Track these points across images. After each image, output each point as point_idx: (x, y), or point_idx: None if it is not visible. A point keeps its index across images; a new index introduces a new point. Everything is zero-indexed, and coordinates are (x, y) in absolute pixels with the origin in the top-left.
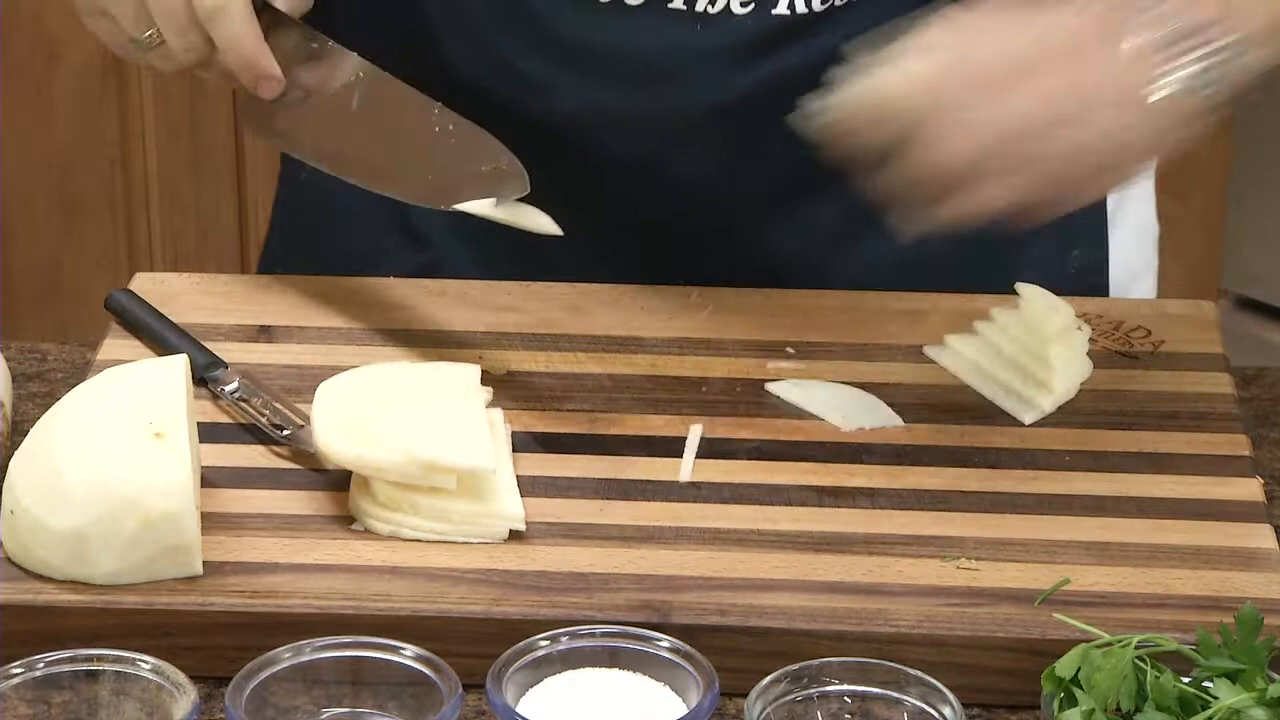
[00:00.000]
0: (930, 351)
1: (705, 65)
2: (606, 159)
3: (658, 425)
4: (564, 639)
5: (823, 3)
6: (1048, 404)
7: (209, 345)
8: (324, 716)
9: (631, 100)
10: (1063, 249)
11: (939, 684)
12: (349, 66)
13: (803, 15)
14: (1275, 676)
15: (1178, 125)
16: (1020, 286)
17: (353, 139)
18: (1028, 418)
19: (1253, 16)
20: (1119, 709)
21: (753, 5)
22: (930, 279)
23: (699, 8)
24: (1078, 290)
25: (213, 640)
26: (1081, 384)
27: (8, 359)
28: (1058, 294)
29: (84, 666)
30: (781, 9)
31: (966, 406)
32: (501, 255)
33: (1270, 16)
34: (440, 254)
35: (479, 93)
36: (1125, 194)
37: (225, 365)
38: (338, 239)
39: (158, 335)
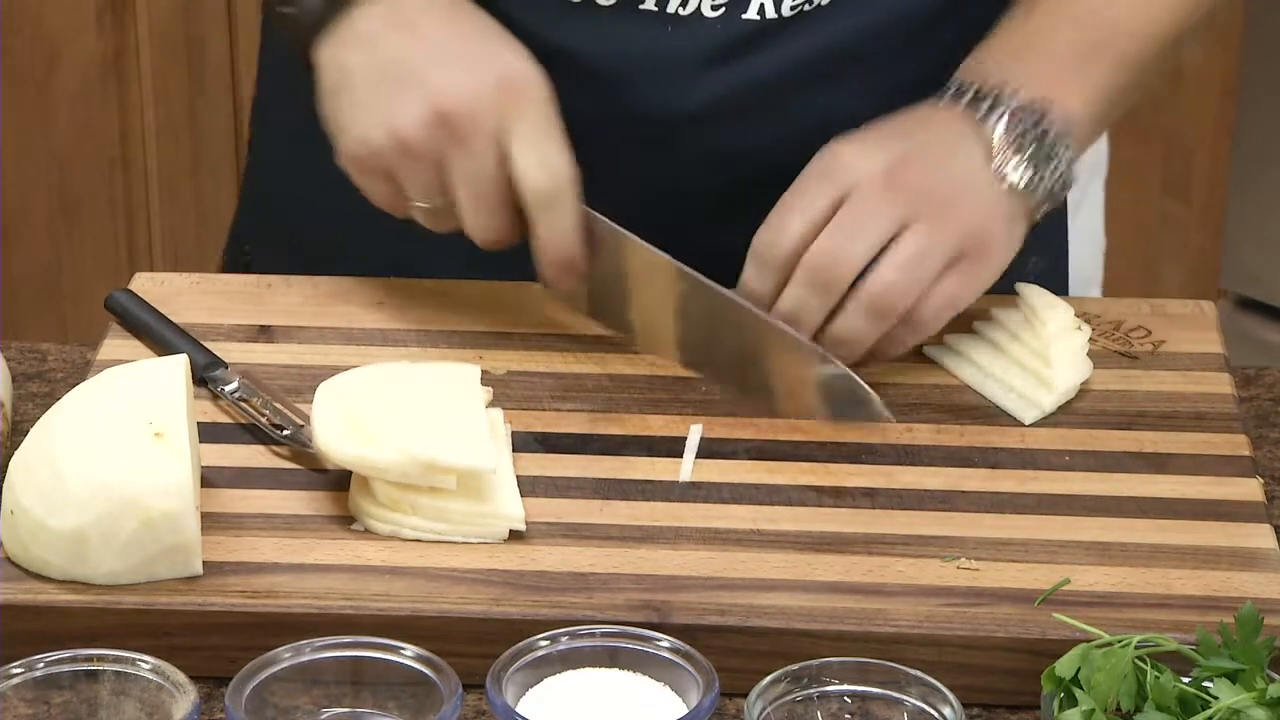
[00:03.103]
0: (930, 351)
1: (673, 70)
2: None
3: (658, 425)
4: (564, 639)
5: (792, 9)
6: (1048, 403)
7: (209, 345)
8: (324, 716)
9: (599, 104)
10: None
11: (939, 684)
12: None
13: (772, 20)
14: (1275, 676)
15: (1024, 216)
16: (1020, 286)
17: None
18: (1028, 417)
19: (1071, 107)
20: (1119, 709)
21: (724, 9)
22: None
23: (670, 9)
24: None
25: (213, 640)
26: (1081, 384)
27: (8, 359)
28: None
29: (84, 666)
30: (751, 13)
31: (966, 406)
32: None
33: (1084, 111)
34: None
35: None
36: (1078, 203)
37: (225, 365)
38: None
39: (158, 335)
